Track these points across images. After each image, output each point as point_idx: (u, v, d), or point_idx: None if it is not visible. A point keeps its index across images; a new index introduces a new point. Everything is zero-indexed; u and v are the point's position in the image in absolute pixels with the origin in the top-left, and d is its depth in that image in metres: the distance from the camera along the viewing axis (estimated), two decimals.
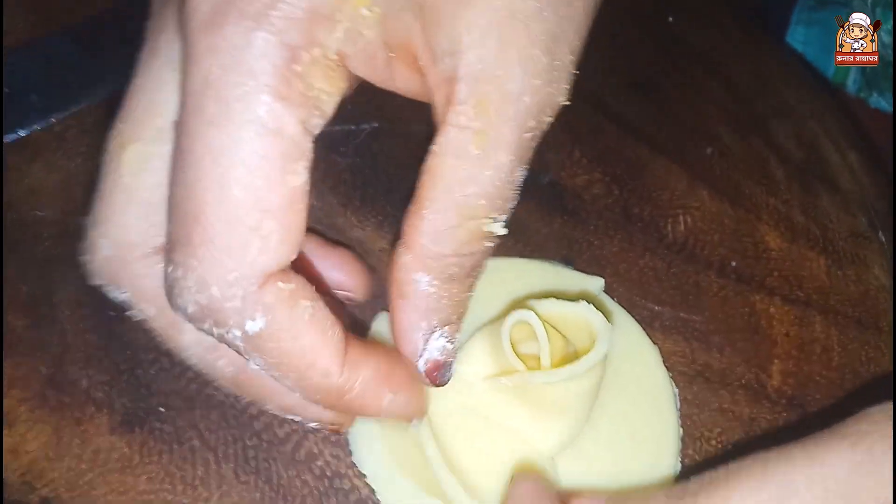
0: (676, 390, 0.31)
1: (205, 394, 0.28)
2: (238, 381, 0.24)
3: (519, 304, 0.28)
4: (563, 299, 0.28)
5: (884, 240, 0.38)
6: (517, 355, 0.26)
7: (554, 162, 0.37)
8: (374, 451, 0.27)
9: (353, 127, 0.35)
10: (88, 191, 0.33)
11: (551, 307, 0.27)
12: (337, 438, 0.28)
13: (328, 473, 0.27)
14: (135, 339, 0.29)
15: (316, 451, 0.28)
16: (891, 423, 0.21)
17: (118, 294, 0.24)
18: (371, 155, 0.35)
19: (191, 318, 0.21)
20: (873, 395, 0.23)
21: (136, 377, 0.29)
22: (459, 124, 0.21)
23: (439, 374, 0.24)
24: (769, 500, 0.21)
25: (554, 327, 0.27)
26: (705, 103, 0.41)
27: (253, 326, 0.20)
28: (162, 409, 0.28)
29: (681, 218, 0.36)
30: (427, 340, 0.23)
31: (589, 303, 0.27)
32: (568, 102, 0.22)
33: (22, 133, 0.33)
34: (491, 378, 0.27)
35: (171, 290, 0.21)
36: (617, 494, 0.26)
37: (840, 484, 0.20)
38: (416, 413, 0.25)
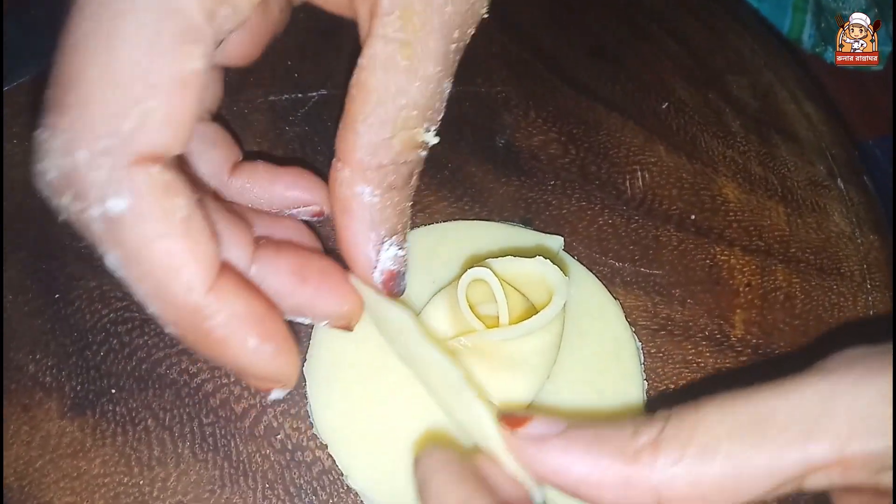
0: (640, 344, 0.30)
1: (157, 373, 0.28)
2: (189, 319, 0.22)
3: (477, 264, 0.28)
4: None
5: (842, 187, 0.38)
6: (477, 316, 0.26)
7: (509, 123, 0.36)
8: (334, 420, 0.27)
9: (300, 95, 0.34)
10: (26, 173, 0.32)
11: (508, 265, 0.27)
12: (297, 411, 0.27)
13: (289, 447, 0.27)
14: (82, 321, 0.28)
15: (276, 424, 0.27)
16: (865, 359, 0.21)
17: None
18: (320, 122, 0.34)
19: (50, 188, 0.19)
20: (839, 341, 0.23)
21: (86, 359, 0.28)
22: (386, 36, 0.21)
23: (395, 285, 0.24)
24: (739, 427, 0.20)
25: (512, 286, 0.27)
26: (661, 60, 0.41)
27: (115, 206, 0.19)
28: (114, 391, 0.27)
29: (638, 174, 0.36)
30: (378, 251, 0.24)
31: (546, 259, 0.27)
32: (486, 15, 0.23)
33: None
34: (450, 339, 0.26)
35: (35, 156, 0.19)
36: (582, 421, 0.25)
37: (811, 412, 0.20)
38: (278, 374, 0.22)
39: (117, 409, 0.27)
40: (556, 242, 0.32)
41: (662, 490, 0.20)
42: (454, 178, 0.34)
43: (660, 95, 0.39)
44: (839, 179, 0.38)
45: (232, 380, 0.28)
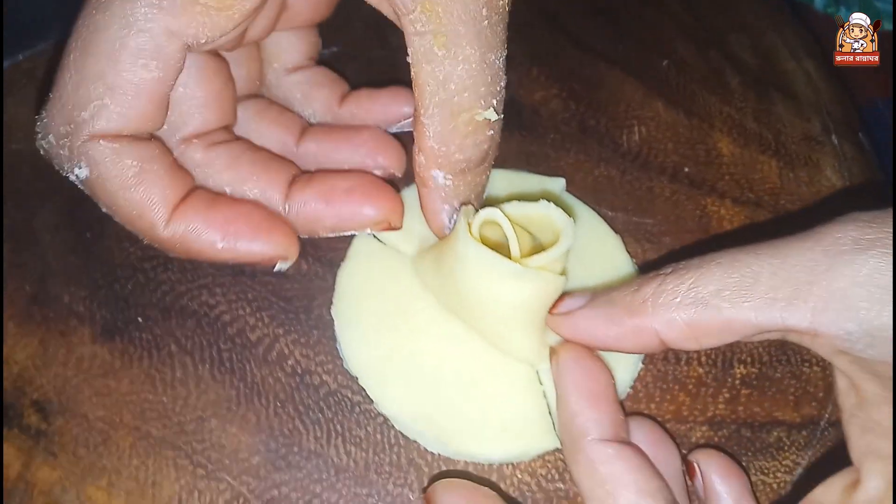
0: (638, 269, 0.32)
1: (179, 305, 0.30)
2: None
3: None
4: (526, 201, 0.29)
5: (837, 142, 0.39)
6: None
7: (512, 80, 0.37)
8: (362, 355, 0.29)
9: None
10: None
11: (515, 209, 0.28)
12: (306, 340, 0.30)
13: (298, 371, 0.29)
14: (111, 258, 0.31)
15: (286, 352, 0.29)
16: (859, 226, 0.22)
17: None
18: None
19: (46, 157, 0.25)
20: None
21: (114, 291, 0.30)
22: (417, 31, 0.23)
23: None
24: (729, 285, 0.23)
25: (521, 226, 0.29)
26: (663, 20, 0.42)
27: (81, 173, 0.24)
28: (140, 320, 0.30)
29: (636, 128, 0.37)
30: (451, 219, 0.27)
31: (550, 201, 0.28)
32: None
33: None
34: None
35: (35, 135, 0.25)
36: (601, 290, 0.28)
37: (797, 278, 0.22)
38: (263, 255, 0.27)
39: (143, 335, 0.29)
40: (557, 184, 0.34)
41: (662, 333, 0.23)
42: None
43: (661, 53, 0.40)
44: (834, 135, 0.39)
45: (247, 311, 0.30)
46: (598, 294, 0.26)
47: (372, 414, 0.29)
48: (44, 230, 0.32)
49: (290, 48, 0.31)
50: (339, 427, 0.28)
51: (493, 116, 0.25)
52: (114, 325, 0.30)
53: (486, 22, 0.24)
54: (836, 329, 0.21)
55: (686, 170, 0.36)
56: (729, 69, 0.40)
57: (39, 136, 0.25)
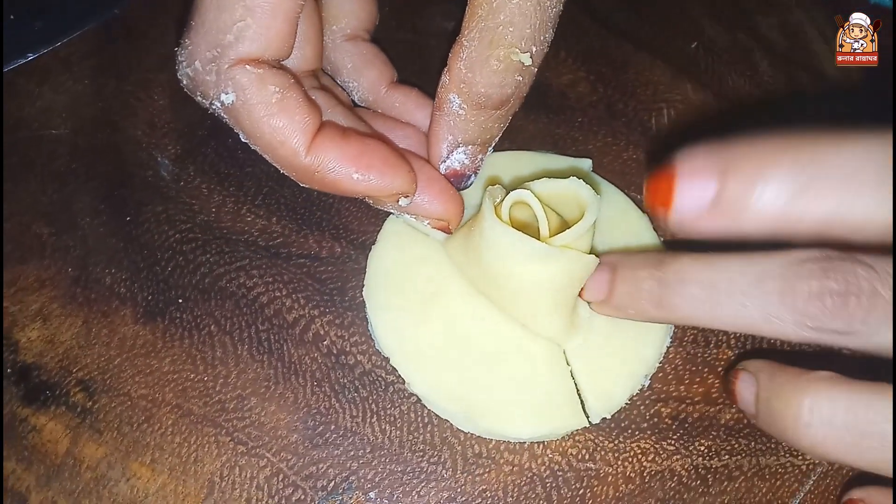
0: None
1: (218, 286, 0.31)
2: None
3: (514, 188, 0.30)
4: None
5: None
6: None
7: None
8: (393, 336, 0.30)
9: None
10: (95, 110, 0.35)
11: (543, 186, 0.29)
12: (341, 321, 0.30)
13: (334, 351, 0.30)
14: (151, 241, 0.32)
15: (322, 332, 0.30)
16: None
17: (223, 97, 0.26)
18: None
19: (187, 89, 0.26)
20: None
21: (155, 274, 0.31)
22: None
23: (456, 181, 0.29)
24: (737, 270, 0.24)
25: (548, 206, 0.29)
26: (690, 1, 0.42)
27: (227, 99, 0.25)
28: (180, 301, 0.31)
29: (664, 111, 0.37)
30: (450, 152, 0.28)
31: (578, 178, 0.28)
32: None
33: (31, 56, 0.35)
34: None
35: (177, 64, 0.26)
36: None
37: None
38: (390, 189, 0.27)
39: (184, 316, 0.30)
40: (585, 164, 0.34)
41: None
42: None
43: (689, 35, 0.40)
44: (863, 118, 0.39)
45: (284, 293, 0.31)
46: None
47: (406, 394, 0.29)
48: (84, 214, 0.32)
49: (350, 14, 0.32)
50: (374, 406, 0.29)
51: (528, 61, 0.25)
52: (155, 307, 0.30)
53: None
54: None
55: None
56: (758, 49, 0.40)
57: (184, 64, 0.25)
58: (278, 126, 0.25)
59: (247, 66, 0.24)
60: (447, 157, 0.28)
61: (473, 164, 0.29)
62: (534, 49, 0.25)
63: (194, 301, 0.30)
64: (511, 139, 0.35)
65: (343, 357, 0.30)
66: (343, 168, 0.26)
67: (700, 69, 0.39)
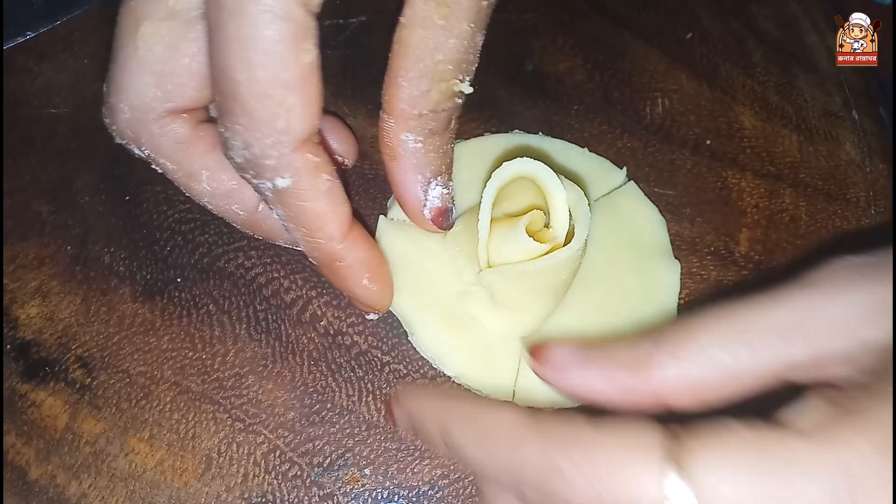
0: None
1: (217, 266, 0.31)
2: (248, 222, 0.29)
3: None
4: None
5: (857, 117, 0.39)
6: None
7: (537, 49, 0.38)
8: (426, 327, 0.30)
9: (342, 21, 0.37)
10: (96, 89, 0.35)
11: (505, 171, 0.28)
12: (338, 302, 0.31)
13: (331, 332, 0.30)
14: (150, 220, 0.32)
15: (319, 313, 0.31)
16: (844, 271, 0.22)
17: (139, 151, 0.27)
18: (360, 47, 0.36)
19: (237, 168, 0.25)
20: (837, 253, 0.25)
21: (154, 253, 0.31)
22: None
23: (443, 220, 0.28)
24: (725, 335, 0.22)
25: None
26: None
27: (282, 183, 0.24)
28: (179, 280, 0.31)
29: (659, 100, 0.38)
30: (426, 191, 0.27)
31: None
32: None
33: (30, 34, 0.35)
34: (479, 272, 0.29)
35: (223, 145, 0.25)
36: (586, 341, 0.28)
37: (789, 321, 0.22)
38: (377, 304, 0.29)
39: (182, 295, 0.31)
40: (619, 176, 0.35)
41: (660, 393, 0.22)
42: (482, 100, 0.36)
43: (685, 24, 0.41)
44: (854, 110, 0.39)
45: (282, 274, 0.31)
46: (592, 346, 0.24)
47: (401, 373, 0.30)
48: (83, 192, 0.33)
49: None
50: (369, 385, 0.30)
51: (469, 90, 0.26)
52: (154, 285, 0.31)
53: (486, 2, 0.25)
54: (837, 347, 0.21)
55: (708, 142, 0.37)
56: (752, 40, 0.41)
57: (233, 150, 0.24)
58: (322, 211, 0.25)
59: (308, 153, 0.24)
60: (426, 198, 0.28)
61: (450, 193, 0.28)
62: (469, 78, 0.26)
63: (193, 280, 0.31)
64: (509, 124, 0.36)
65: (340, 337, 0.30)
66: (360, 268, 0.27)
67: (695, 59, 0.39)
